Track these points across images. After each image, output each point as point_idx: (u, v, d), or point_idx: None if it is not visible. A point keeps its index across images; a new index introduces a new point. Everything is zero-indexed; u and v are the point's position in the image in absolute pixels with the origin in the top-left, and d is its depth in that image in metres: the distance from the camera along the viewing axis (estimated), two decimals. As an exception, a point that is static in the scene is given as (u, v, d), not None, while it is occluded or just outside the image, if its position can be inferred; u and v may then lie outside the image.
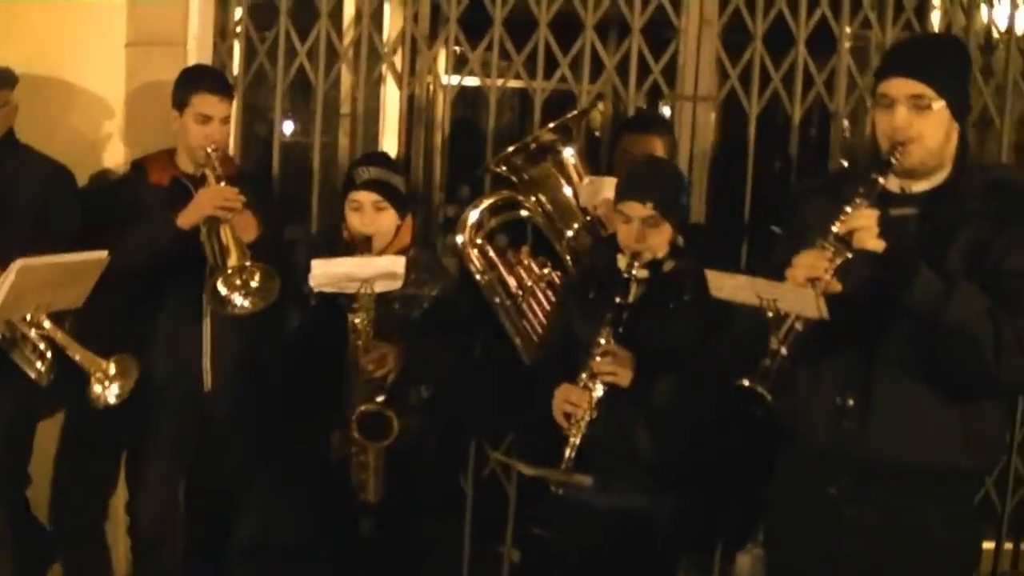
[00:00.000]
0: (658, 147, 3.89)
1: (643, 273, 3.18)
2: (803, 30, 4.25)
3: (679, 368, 3.14)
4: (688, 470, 3.20)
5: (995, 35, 4.45)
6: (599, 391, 3.07)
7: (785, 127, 4.34)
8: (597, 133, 5.04)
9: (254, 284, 3.52)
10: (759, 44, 4.25)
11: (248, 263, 3.50)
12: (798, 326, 2.61)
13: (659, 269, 3.23)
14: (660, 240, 3.21)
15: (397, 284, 3.52)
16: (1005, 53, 4.37)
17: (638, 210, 3.16)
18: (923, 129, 2.71)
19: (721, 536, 4.22)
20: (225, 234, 3.56)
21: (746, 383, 2.57)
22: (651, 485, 3.23)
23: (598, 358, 3.08)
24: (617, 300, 3.10)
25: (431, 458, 3.71)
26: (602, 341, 3.08)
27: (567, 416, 3.10)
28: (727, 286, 2.70)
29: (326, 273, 3.47)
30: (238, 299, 3.53)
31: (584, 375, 3.10)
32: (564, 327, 3.41)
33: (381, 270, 3.48)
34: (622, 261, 3.19)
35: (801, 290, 2.58)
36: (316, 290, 3.50)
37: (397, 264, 3.51)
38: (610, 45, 4.47)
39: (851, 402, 2.79)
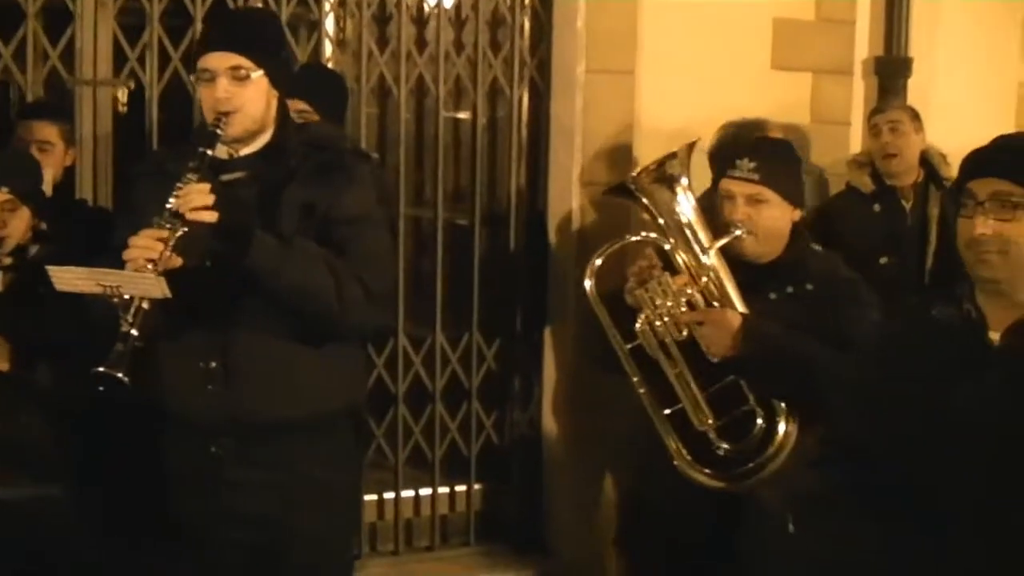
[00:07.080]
0: (53, 133, 3.90)
1: (7, 260, 3.20)
2: (200, 9, 4.34)
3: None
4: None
5: (427, 9, 4.79)
6: None
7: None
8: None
9: None
10: (156, 25, 4.29)
11: None
12: (145, 305, 2.66)
13: (24, 255, 3.26)
14: (19, 225, 3.23)
15: None
16: (436, 26, 4.71)
17: None
18: (244, 99, 2.89)
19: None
20: None
21: (102, 370, 2.58)
22: (44, 474, 3.27)
23: None
24: None
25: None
26: None
27: None
28: (67, 278, 2.70)
29: None
30: None
31: None
32: None
33: None
34: None
35: (141, 274, 2.63)
36: None
37: None
38: (6, 31, 4.38)
39: (213, 364, 2.91)
